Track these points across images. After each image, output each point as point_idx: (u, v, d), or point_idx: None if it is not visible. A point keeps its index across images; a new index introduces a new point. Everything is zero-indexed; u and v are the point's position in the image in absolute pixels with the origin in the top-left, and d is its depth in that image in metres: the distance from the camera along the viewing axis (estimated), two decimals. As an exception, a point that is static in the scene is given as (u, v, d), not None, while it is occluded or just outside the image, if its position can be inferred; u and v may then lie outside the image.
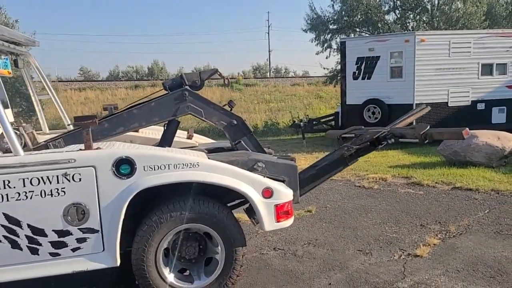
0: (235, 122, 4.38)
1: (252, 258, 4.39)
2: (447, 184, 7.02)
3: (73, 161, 3.02)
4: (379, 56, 11.71)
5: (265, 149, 4.94)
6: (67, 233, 3.07)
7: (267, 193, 3.44)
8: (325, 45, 19.76)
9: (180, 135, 5.28)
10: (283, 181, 3.95)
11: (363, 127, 5.07)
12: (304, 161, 9.76)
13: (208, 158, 3.77)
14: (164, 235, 3.31)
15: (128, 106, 4.33)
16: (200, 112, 4.29)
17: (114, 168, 3.11)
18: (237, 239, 3.44)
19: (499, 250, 4.30)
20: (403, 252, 4.37)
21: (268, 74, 51.70)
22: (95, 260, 3.15)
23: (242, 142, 4.40)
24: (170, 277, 3.39)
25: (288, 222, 3.57)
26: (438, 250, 4.35)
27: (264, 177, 3.69)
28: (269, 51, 55.53)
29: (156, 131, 5.39)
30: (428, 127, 4.26)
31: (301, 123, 12.10)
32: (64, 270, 3.10)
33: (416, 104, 11.34)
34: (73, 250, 3.10)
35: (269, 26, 55.71)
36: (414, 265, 4.03)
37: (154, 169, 3.20)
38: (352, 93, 12.22)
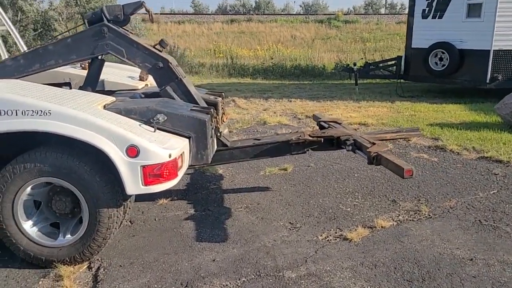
0: (161, 65, 3.88)
1: (172, 216, 4.04)
2: (478, 151, 5.78)
3: None
4: (456, -10, 9.81)
5: (213, 97, 4.41)
6: None
7: (132, 151, 2.98)
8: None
9: (134, 75, 4.90)
10: (188, 138, 3.46)
11: (343, 122, 4.63)
12: (342, 110, 8.88)
13: (105, 107, 3.40)
14: (20, 187, 3.07)
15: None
16: (121, 52, 3.84)
17: (-43, 111, 2.89)
18: (101, 199, 3.09)
19: (455, 246, 3.38)
20: (336, 232, 3.67)
21: (383, 10, 47.79)
22: None
23: (167, 88, 3.90)
24: (32, 231, 3.19)
25: (160, 187, 3.09)
26: (378, 236, 3.57)
27: (154, 130, 3.25)
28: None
29: (120, 70, 5.09)
30: (386, 148, 3.64)
31: (354, 67, 10.84)
32: None
33: (494, 50, 9.48)
34: None
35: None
36: (329, 251, 3.34)
37: (1, 114, 2.92)
38: (419, 35, 10.56)
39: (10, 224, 3.14)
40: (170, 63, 3.92)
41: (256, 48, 24.29)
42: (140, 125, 3.28)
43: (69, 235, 3.22)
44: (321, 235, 3.62)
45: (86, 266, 3.23)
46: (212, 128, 3.73)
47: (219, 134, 3.94)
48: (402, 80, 11.05)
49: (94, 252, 3.22)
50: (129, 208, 3.54)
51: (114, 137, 2.98)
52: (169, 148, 3.13)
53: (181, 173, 3.30)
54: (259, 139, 4.25)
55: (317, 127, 4.84)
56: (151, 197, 4.33)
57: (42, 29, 16.23)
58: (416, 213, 4.00)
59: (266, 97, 10.56)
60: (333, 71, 15.06)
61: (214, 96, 4.47)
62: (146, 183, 3.04)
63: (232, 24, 34.65)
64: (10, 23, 4.85)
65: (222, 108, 4.41)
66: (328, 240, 3.54)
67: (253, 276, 3.03)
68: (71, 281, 3.03)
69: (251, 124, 7.76)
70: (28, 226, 3.19)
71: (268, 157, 4.27)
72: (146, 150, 3.00)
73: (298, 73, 14.95)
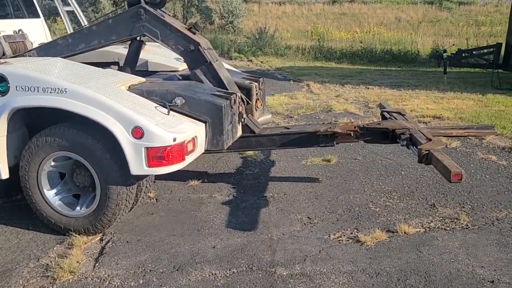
0: (192, 48, 3.91)
1: (195, 198, 4.09)
2: (561, 158, 4.99)
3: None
4: None
5: (247, 82, 4.34)
6: None
7: (137, 133, 3.05)
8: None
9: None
10: (204, 122, 3.47)
11: (406, 114, 4.23)
12: (420, 100, 8.24)
13: (130, 87, 3.53)
14: (43, 158, 3.32)
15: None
16: (156, 34, 3.96)
17: (-11, 84, 3.18)
18: (110, 177, 3.23)
19: (480, 263, 2.96)
20: (351, 233, 3.43)
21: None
22: (-21, 173, 3.38)
23: (196, 71, 3.92)
24: (54, 200, 3.44)
25: (164, 169, 3.13)
26: (395, 242, 3.26)
27: (168, 113, 3.30)
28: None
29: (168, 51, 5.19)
30: (441, 146, 3.33)
31: (444, 54, 9.88)
32: None
33: None
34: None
35: None
36: (334, 252, 3.13)
37: (25, 90, 3.16)
38: (524, 19, 9.32)
39: (35, 191, 3.42)
40: (201, 46, 3.92)
41: (355, 31, 23.27)
42: (156, 107, 3.34)
43: (84, 208, 3.42)
44: (334, 234, 3.40)
45: (98, 238, 3.42)
46: (234, 114, 3.67)
47: (243, 120, 3.87)
48: (500, 70, 9.88)
49: (105, 225, 3.39)
50: (146, 187, 3.65)
51: (121, 118, 3.07)
52: (176, 131, 3.15)
53: (190, 158, 3.31)
54: (288, 128, 4.10)
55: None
56: (183, 177, 4.43)
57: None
58: (452, 221, 3.58)
59: (343, 83, 10.16)
60: (427, 57, 13.97)
61: (250, 81, 4.39)
62: (149, 164, 3.09)
63: (334, 5, 33.70)
64: (75, 2, 5.20)
65: (257, 93, 4.33)
66: (339, 240, 3.32)
67: (244, 269, 2.96)
68: (80, 250, 3.23)
69: (316, 110, 7.52)
70: (51, 195, 3.45)
71: (295, 147, 4.11)
72: (151, 132, 3.05)
73: (388, 59, 14.14)
